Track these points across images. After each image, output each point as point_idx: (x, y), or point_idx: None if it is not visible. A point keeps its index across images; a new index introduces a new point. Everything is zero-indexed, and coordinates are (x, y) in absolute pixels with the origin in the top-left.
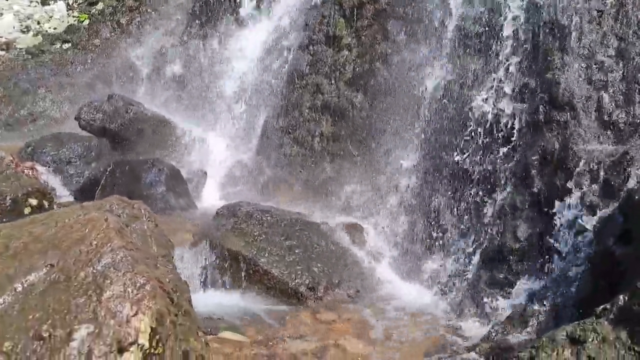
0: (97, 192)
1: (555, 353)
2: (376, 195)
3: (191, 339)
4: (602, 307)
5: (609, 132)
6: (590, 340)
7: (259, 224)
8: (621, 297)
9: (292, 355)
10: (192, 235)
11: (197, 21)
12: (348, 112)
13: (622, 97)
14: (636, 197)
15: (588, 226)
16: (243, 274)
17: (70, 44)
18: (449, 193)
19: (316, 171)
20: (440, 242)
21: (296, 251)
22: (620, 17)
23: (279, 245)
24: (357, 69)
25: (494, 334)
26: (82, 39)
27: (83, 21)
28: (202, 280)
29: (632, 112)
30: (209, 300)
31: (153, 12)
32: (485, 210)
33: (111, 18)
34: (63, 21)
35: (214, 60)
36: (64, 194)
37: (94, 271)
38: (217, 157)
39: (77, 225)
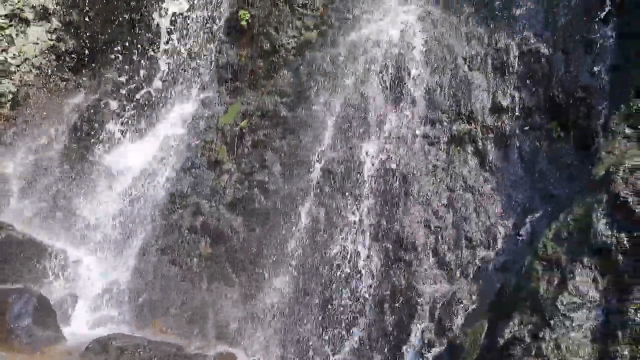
0: None
1: None
2: (251, 321)
3: None
4: None
5: (443, 272)
6: None
7: None
8: None
9: None
10: None
11: (78, 133)
12: (227, 234)
13: (452, 241)
14: (457, 341)
15: None
16: None
17: None
18: (318, 321)
19: (193, 294)
20: None
21: None
22: (450, 171)
23: None
24: (237, 194)
25: None
26: None
27: None
28: None
29: (460, 256)
30: None
31: (30, 123)
32: (349, 341)
33: None
34: None
35: (93, 175)
36: None
37: None
38: (90, 279)
39: None
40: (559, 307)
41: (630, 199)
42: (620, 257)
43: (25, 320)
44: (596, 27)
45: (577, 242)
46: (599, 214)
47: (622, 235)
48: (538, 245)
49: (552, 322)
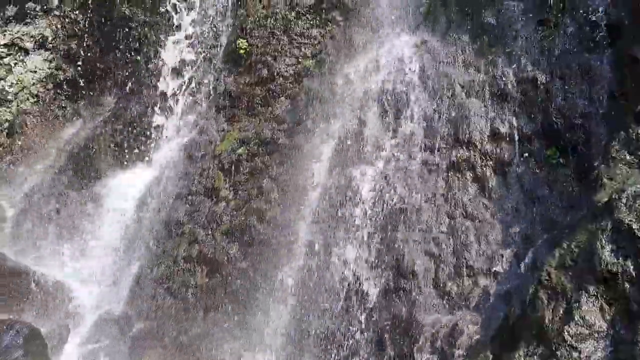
0: None
1: None
2: (247, 352)
3: None
4: None
5: (444, 302)
6: None
7: None
8: None
9: None
10: None
11: (74, 161)
12: (224, 263)
13: (453, 269)
14: None
15: None
16: None
17: None
18: (317, 352)
19: (188, 324)
20: None
21: None
22: (449, 198)
23: None
24: (234, 221)
25: None
26: None
27: None
28: None
29: (461, 284)
30: None
31: (27, 151)
32: None
33: None
34: None
35: (88, 203)
36: None
37: None
38: (83, 309)
39: None
40: (566, 337)
41: (634, 226)
42: (627, 285)
43: (16, 353)
44: (592, 54)
45: (582, 270)
46: (603, 241)
47: (628, 262)
48: (542, 273)
49: (558, 353)
